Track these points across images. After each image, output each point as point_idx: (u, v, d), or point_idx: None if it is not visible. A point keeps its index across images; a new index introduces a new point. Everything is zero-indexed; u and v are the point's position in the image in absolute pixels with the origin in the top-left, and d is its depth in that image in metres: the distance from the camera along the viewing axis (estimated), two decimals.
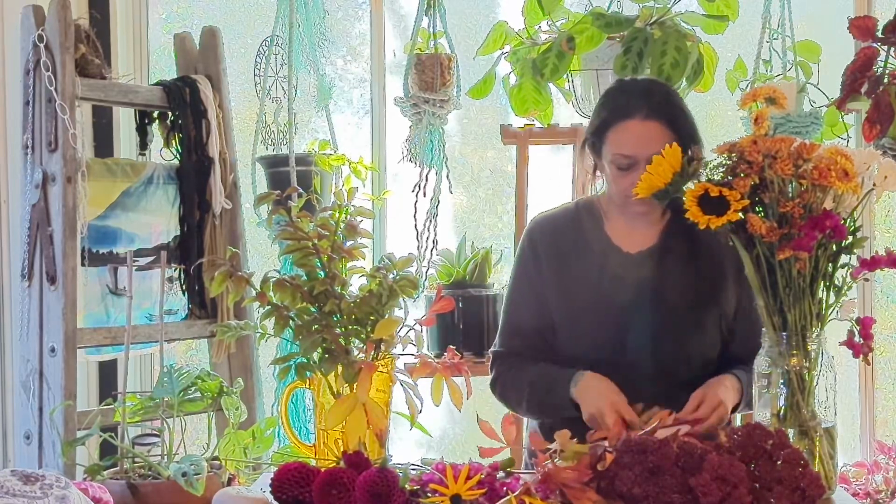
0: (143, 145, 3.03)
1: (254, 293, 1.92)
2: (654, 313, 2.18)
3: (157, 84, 3.00)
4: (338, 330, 1.89)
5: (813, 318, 1.83)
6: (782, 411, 1.84)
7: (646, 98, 2.14)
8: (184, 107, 2.93)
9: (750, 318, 2.14)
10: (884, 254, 1.83)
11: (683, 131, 2.11)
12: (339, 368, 1.87)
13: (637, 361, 2.17)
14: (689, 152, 1.96)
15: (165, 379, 1.96)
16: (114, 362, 3.17)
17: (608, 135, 2.15)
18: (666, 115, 2.12)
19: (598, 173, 2.28)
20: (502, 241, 3.52)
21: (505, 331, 2.32)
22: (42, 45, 2.66)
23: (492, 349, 2.35)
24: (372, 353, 1.88)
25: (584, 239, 2.26)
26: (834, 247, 1.83)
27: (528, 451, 2.34)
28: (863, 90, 2.61)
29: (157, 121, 3.00)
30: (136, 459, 1.87)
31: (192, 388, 2.00)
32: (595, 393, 2.09)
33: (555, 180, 3.20)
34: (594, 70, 2.88)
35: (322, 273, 1.91)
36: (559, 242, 2.27)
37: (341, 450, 1.81)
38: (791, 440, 1.77)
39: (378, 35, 3.41)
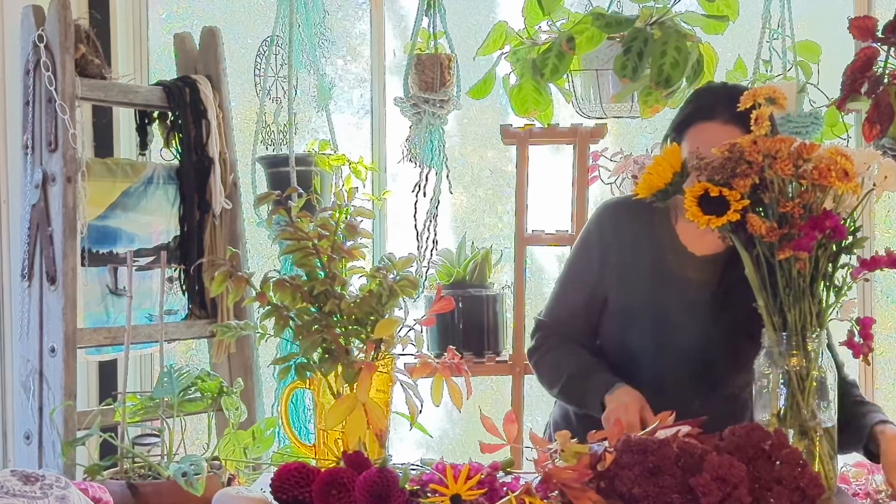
0: (143, 145, 3.03)
1: (254, 293, 1.92)
2: (710, 319, 2.18)
3: (157, 84, 3.00)
4: (338, 330, 1.89)
5: (813, 318, 1.83)
6: (782, 411, 1.84)
7: (730, 102, 2.09)
8: (184, 107, 2.93)
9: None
10: (884, 254, 1.83)
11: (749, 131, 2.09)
12: (339, 368, 1.87)
13: (681, 363, 2.17)
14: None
15: (165, 379, 1.96)
16: (114, 362, 3.17)
17: (688, 132, 2.15)
18: (743, 119, 2.05)
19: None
20: (502, 241, 3.52)
21: (553, 303, 2.34)
22: (42, 45, 2.66)
23: (536, 316, 2.38)
24: (372, 353, 1.88)
25: (652, 233, 2.24)
26: (834, 247, 1.83)
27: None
28: (863, 90, 2.61)
29: (157, 121, 3.00)
30: (136, 459, 1.87)
31: (192, 388, 2.00)
32: (624, 404, 2.08)
33: (555, 180, 3.20)
34: (594, 70, 2.88)
35: (322, 273, 1.91)
36: (627, 231, 2.26)
37: (341, 450, 1.81)
38: (791, 440, 1.77)
39: (378, 35, 3.41)
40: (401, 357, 1.94)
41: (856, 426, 2.00)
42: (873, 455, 1.99)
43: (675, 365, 2.18)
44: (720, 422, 1.84)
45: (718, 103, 2.14)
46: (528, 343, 2.39)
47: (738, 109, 1.93)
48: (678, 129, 2.18)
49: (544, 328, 2.34)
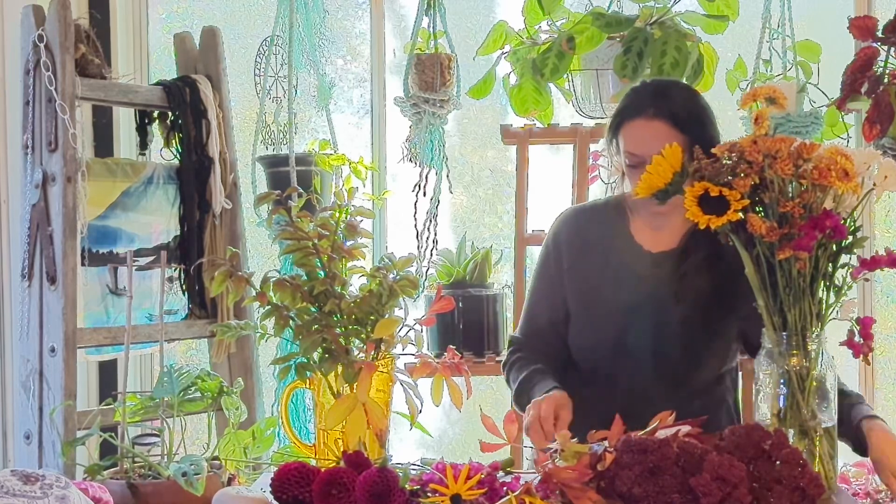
0: (143, 145, 3.03)
1: (254, 293, 1.92)
2: (667, 314, 2.18)
3: (157, 84, 3.00)
4: (338, 330, 1.89)
5: (813, 318, 1.83)
6: (782, 411, 1.84)
7: (654, 98, 2.16)
8: (184, 107, 2.93)
9: None
10: (884, 254, 1.83)
11: (693, 133, 2.09)
12: (339, 368, 1.87)
13: (643, 360, 2.17)
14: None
15: (165, 379, 1.96)
16: (114, 362, 3.17)
17: (620, 132, 2.18)
18: (672, 115, 2.12)
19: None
20: (502, 241, 3.52)
21: (523, 318, 2.36)
22: (42, 45, 2.66)
23: (511, 333, 2.40)
24: (372, 353, 1.88)
25: (607, 234, 2.27)
26: (834, 247, 1.83)
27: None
28: (863, 90, 2.61)
29: (157, 121, 3.00)
30: (136, 459, 1.87)
31: (192, 388, 2.00)
32: (538, 402, 2.07)
33: (555, 180, 3.20)
34: (594, 70, 2.88)
35: (322, 273, 1.91)
36: (582, 235, 2.29)
37: (341, 450, 1.81)
38: (791, 440, 1.77)
39: (378, 35, 3.41)
40: (401, 357, 1.94)
41: (841, 420, 2.00)
42: (860, 448, 1.99)
43: (639, 364, 2.18)
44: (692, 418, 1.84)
45: (644, 100, 2.17)
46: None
47: (668, 107, 2.02)
48: (612, 130, 2.21)
49: (516, 343, 2.34)
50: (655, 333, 2.18)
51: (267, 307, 1.90)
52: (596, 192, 3.14)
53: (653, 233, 2.25)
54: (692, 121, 2.13)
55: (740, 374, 2.46)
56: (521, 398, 2.21)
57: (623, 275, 2.22)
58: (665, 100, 2.16)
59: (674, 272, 2.20)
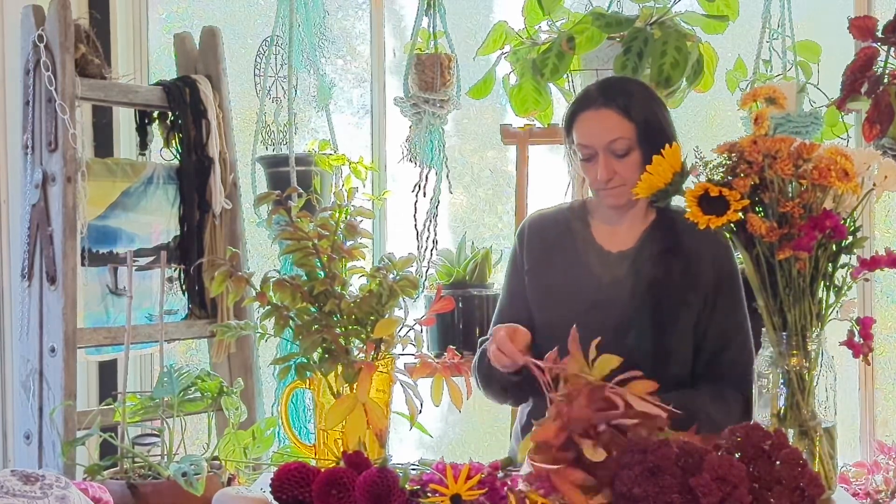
0: (143, 145, 3.03)
1: (254, 293, 1.92)
2: (626, 313, 2.19)
3: (157, 84, 3.00)
4: (338, 330, 1.89)
5: (813, 318, 1.83)
6: (782, 411, 1.84)
7: (602, 89, 2.23)
8: (184, 107, 2.93)
9: (724, 337, 2.18)
10: (884, 254, 1.83)
11: (641, 118, 2.16)
12: (339, 368, 1.87)
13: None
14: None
15: (165, 379, 1.96)
16: (114, 362, 3.17)
17: (573, 129, 2.23)
18: (620, 103, 2.18)
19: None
20: (502, 241, 3.52)
21: (493, 320, 2.37)
22: (42, 45, 2.66)
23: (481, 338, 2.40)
24: (372, 353, 1.88)
25: (569, 237, 2.30)
26: (834, 247, 1.83)
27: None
28: (863, 90, 2.61)
29: (157, 121, 3.00)
30: (136, 459, 1.87)
31: (192, 388, 2.00)
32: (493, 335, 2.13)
33: (555, 180, 3.20)
34: (594, 70, 2.88)
35: (322, 273, 1.91)
36: (544, 238, 2.32)
37: (341, 450, 1.81)
38: (791, 440, 1.77)
39: (378, 35, 3.41)
40: (401, 357, 1.95)
41: None
42: None
43: None
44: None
45: (592, 93, 2.23)
46: None
47: (615, 96, 2.11)
48: (567, 130, 2.26)
49: (482, 343, 2.33)
50: (617, 332, 2.16)
51: (267, 307, 1.90)
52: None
53: (613, 233, 2.28)
54: (640, 106, 2.18)
55: None
56: (481, 370, 2.25)
57: (583, 275, 2.25)
58: (611, 90, 2.22)
59: (630, 270, 2.22)
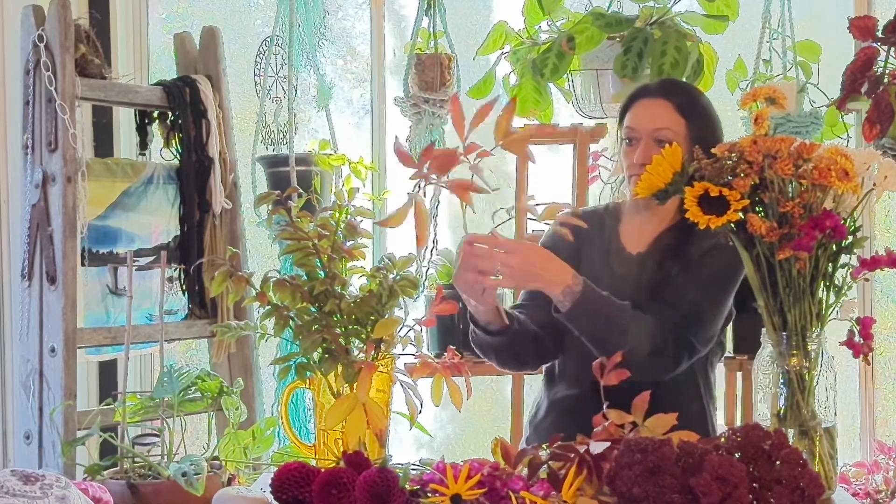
0: (143, 145, 3.03)
1: (254, 293, 1.91)
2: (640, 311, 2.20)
3: (157, 84, 3.00)
4: (338, 330, 1.89)
5: (813, 318, 1.83)
6: (782, 411, 1.84)
7: (662, 83, 2.34)
8: (184, 107, 2.93)
9: (681, 290, 2.18)
10: (884, 254, 1.83)
11: (694, 120, 2.20)
12: (339, 368, 1.87)
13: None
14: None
15: (165, 379, 1.96)
16: (114, 362, 3.17)
17: (627, 115, 2.28)
18: (675, 96, 2.24)
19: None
20: None
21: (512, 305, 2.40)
22: (42, 45, 2.66)
23: None
24: (372, 353, 1.88)
25: (599, 237, 2.34)
26: (834, 247, 1.83)
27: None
28: (863, 90, 2.61)
29: (157, 121, 3.00)
30: (136, 459, 1.87)
31: (192, 388, 2.00)
32: None
33: (555, 180, 3.20)
34: (594, 70, 2.88)
35: (322, 273, 1.91)
36: (580, 230, 2.30)
37: (341, 450, 1.81)
38: (791, 440, 1.77)
39: (378, 35, 3.41)
40: (401, 357, 1.94)
41: None
42: None
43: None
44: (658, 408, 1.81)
45: (652, 85, 2.32)
46: None
47: (671, 89, 2.20)
48: (621, 119, 2.30)
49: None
50: None
51: (267, 307, 1.90)
52: (595, 192, 3.14)
53: (637, 234, 2.32)
54: (696, 109, 2.24)
55: (738, 372, 2.45)
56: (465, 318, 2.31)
57: (605, 273, 2.27)
58: (672, 86, 2.31)
59: (638, 272, 2.27)
